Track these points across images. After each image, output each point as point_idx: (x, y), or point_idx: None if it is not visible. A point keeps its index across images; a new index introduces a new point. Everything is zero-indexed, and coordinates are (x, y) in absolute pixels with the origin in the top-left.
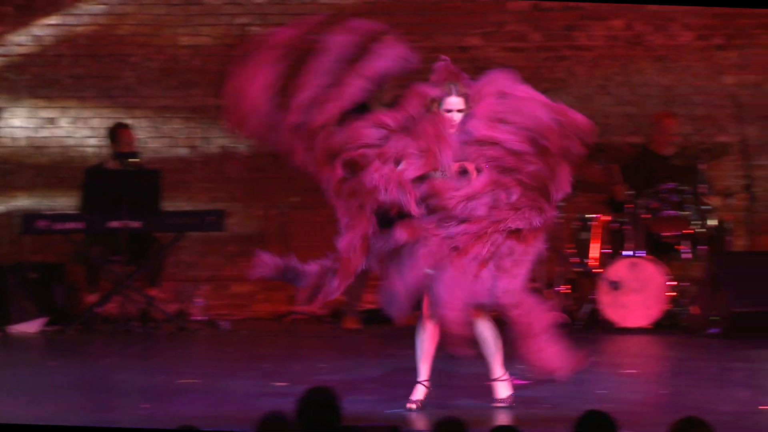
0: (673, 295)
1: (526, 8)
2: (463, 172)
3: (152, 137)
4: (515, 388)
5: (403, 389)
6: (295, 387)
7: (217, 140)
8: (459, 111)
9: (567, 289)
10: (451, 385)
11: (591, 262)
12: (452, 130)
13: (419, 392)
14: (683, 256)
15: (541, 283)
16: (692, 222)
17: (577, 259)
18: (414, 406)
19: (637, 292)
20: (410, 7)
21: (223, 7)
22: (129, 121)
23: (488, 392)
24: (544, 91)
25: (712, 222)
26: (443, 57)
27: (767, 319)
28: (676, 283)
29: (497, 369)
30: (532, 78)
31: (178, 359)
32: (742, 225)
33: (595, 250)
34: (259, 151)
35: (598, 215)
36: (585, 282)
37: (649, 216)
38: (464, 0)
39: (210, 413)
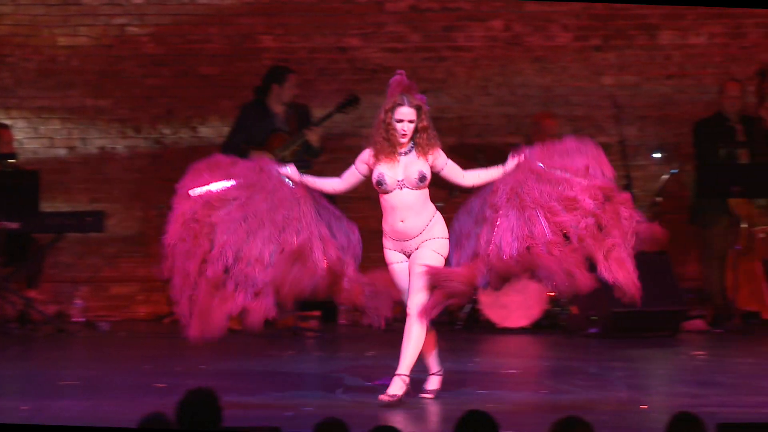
0: (553, 295)
1: (404, 9)
2: (422, 179)
3: (30, 138)
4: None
5: (285, 390)
6: (176, 388)
7: (95, 141)
8: (410, 122)
9: None
10: (334, 384)
11: None
12: (404, 140)
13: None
14: None
15: None
16: None
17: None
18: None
19: (518, 292)
20: (289, 7)
21: (101, 7)
22: (7, 122)
23: (372, 391)
24: (423, 92)
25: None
26: (399, 71)
27: (646, 318)
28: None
29: (407, 368)
30: (411, 79)
31: (57, 360)
32: None
33: None
34: (138, 152)
35: None
36: None
37: None
38: (343, 1)
39: (90, 414)
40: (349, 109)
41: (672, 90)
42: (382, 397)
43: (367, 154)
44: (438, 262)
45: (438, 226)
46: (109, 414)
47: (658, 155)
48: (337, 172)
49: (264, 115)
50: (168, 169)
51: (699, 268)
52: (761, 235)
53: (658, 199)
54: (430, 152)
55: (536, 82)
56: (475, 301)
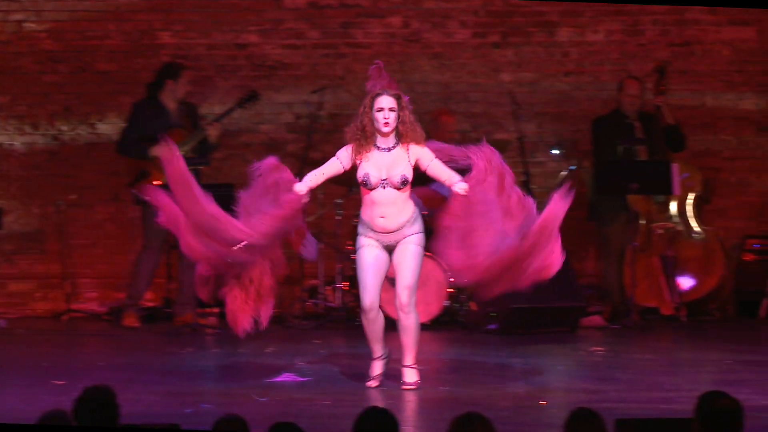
0: (452, 292)
1: (303, 6)
2: (404, 183)
3: None
4: (292, 385)
5: (184, 387)
6: (74, 385)
7: None
8: (391, 110)
9: (346, 285)
10: (233, 380)
11: None
12: (386, 129)
13: (378, 367)
14: None
15: (320, 279)
16: None
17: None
18: (375, 383)
19: (420, 287)
20: (187, 4)
21: None
22: None
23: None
24: (322, 89)
25: None
26: (377, 61)
27: (544, 314)
28: (454, 279)
29: (411, 358)
30: (310, 75)
31: None
32: None
33: None
34: (36, 149)
35: None
36: None
37: (426, 213)
38: None
39: None
40: (249, 105)
41: (570, 87)
42: (405, 387)
43: (350, 150)
44: (421, 255)
45: (418, 222)
46: (7, 411)
47: (556, 152)
48: (234, 169)
49: (158, 111)
50: (66, 165)
51: (597, 264)
52: (659, 232)
53: None
54: (414, 144)
55: (435, 78)
56: None
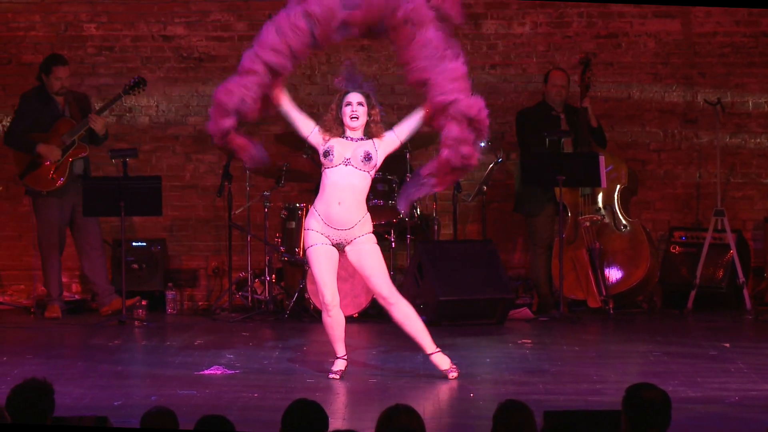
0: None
1: None
2: (367, 158)
3: None
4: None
5: (112, 379)
6: (2, 377)
7: None
8: (359, 104)
9: (274, 278)
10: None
11: (298, 252)
12: (355, 123)
13: (340, 365)
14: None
15: (249, 272)
16: (400, 212)
17: (284, 248)
18: (337, 376)
19: (344, 280)
20: None
21: None
22: None
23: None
24: None
25: (418, 211)
26: (348, 57)
27: (472, 306)
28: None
29: (430, 344)
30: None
31: None
32: (447, 214)
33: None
34: None
35: (305, 204)
36: (293, 271)
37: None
38: None
39: None
40: (136, 91)
41: (496, 79)
42: (451, 377)
43: (319, 129)
44: (379, 249)
45: (368, 222)
46: None
47: (483, 144)
48: (163, 161)
49: (46, 101)
50: None
51: (525, 256)
52: (586, 224)
53: (484, 187)
54: (378, 137)
55: (362, 71)
56: (302, 290)
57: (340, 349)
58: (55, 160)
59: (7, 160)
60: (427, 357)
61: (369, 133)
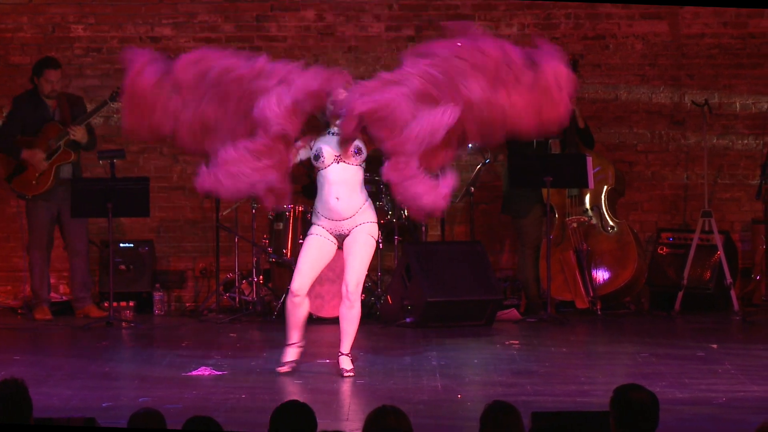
0: (368, 285)
1: None
2: (358, 151)
3: None
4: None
5: (100, 381)
6: None
7: None
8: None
9: (262, 279)
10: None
11: (286, 253)
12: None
13: (291, 354)
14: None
15: (236, 274)
16: (387, 212)
17: (271, 249)
18: (285, 368)
19: (332, 282)
20: None
21: None
22: None
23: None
24: None
25: (406, 213)
26: (336, 58)
27: (460, 307)
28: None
29: (348, 347)
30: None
31: None
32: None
33: (289, 241)
34: None
35: (292, 205)
36: (280, 272)
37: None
38: None
39: None
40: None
41: None
42: (345, 375)
43: (302, 141)
44: (372, 245)
45: (370, 210)
46: None
47: (470, 145)
48: (150, 162)
49: (36, 105)
50: None
51: (513, 257)
52: (574, 225)
53: (472, 189)
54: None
55: (350, 71)
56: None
57: (294, 335)
58: (40, 167)
59: None
60: (339, 353)
61: None
